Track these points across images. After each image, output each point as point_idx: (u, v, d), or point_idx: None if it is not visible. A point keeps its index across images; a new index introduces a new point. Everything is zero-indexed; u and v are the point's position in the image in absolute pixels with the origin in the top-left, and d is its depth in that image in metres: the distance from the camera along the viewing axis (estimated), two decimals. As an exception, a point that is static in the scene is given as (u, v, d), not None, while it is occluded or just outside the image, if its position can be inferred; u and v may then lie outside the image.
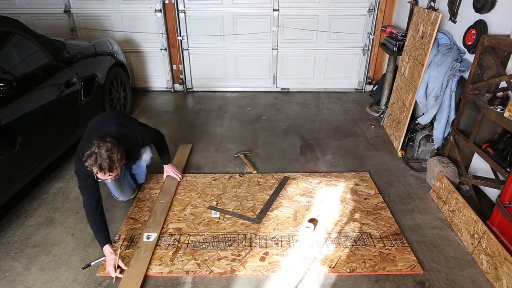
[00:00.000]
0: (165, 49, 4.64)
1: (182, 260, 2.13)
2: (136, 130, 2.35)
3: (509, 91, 2.41)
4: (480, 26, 2.67)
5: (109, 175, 2.00)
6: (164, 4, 4.37)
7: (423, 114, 3.06)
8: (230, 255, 2.17)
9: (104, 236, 2.10)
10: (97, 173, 1.97)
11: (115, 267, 2.02)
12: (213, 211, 2.54)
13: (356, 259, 2.14)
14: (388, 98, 3.94)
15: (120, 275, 2.01)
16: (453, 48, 2.88)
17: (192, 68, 4.80)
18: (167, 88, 4.93)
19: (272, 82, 4.87)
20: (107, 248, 2.07)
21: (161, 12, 4.39)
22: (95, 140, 1.95)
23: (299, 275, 2.04)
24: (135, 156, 2.46)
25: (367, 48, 4.62)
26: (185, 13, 4.43)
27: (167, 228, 2.38)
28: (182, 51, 4.67)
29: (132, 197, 2.69)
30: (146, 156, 2.59)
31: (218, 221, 2.45)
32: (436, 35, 2.90)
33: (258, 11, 4.42)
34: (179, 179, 2.86)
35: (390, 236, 2.31)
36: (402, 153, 3.23)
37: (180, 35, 4.55)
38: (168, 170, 2.86)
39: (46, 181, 2.89)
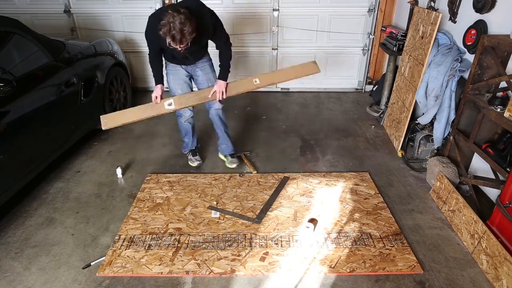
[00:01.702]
0: (165, 49, 4.63)
1: (182, 260, 2.13)
2: (213, 20, 2.53)
3: (509, 91, 2.41)
4: (480, 26, 2.67)
5: (179, 46, 2.22)
6: (164, 4, 4.37)
7: (423, 114, 3.06)
8: (230, 255, 2.17)
9: (161, 77, 2.75)
10: (170, 42, 2.20)
11: (157, 96, 2.69)
12: (213, 211, 2.54)
13: (356, 259, 2.14)
14: (388, 98, 3.94)
15: (158, 102, 2.70)
16: (453, 48, 2.88)
17: (192, 68, 4.79)
18: (167, 88, 4.90)
19: (272, 82, 4.86)
20: (159, 85, 2.73)
21: (161, 12, 4.39)
22: (170, 10, 2.11)
23: (299, 275, 2.04)
24: (203, 42, 2.66)
25: (367, 48, 4.62)
26: (185, 13, 4.43)
27: (167, 228, 2.38)
28: (182, 51, 4.66)
29: (187, 122, 3.08)
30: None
31: (218, 221, 2.45)
32: (436, 35, 2.90)
33: (258, 11, 4.41)
34: (217, 99, 2.75)
35: (390, 236, 2.31)
36: (402, 153, 3.23)
37: (180, 35, 4.54)
38: (216, 87, 2.75)
39: (46, 181, 2.90)
